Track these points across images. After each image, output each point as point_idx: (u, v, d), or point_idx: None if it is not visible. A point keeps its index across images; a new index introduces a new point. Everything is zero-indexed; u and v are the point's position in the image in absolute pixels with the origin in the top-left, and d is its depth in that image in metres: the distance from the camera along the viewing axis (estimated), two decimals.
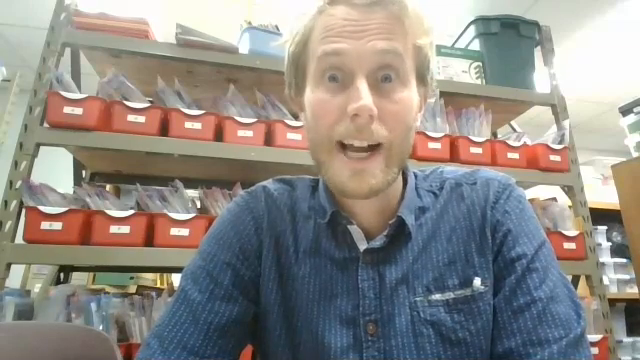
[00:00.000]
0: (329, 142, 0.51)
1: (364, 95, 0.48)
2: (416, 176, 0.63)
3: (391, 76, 0.51)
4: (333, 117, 0.51)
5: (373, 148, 0.51)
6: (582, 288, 1.53)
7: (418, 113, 0.57)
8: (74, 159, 1.49)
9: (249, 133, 1.32)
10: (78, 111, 1.19)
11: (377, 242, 0.55)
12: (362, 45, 0.49)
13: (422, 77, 0.56)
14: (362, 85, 0.49)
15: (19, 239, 1.12)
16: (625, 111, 1.92)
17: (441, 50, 1.65)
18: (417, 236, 0.57)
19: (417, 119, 0.57)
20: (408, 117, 0.52)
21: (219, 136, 1.31)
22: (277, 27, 1.53)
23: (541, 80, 1.73)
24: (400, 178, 0.60)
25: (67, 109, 1.18)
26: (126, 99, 1.27)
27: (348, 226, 0.56)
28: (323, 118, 0.52)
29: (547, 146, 1.54)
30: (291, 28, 0.57)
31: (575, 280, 1.56)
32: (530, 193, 1.66)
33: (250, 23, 1.51)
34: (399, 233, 0.56)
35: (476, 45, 1.73)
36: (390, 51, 0.50)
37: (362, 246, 0.56)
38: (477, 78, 1.65)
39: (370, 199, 0.55)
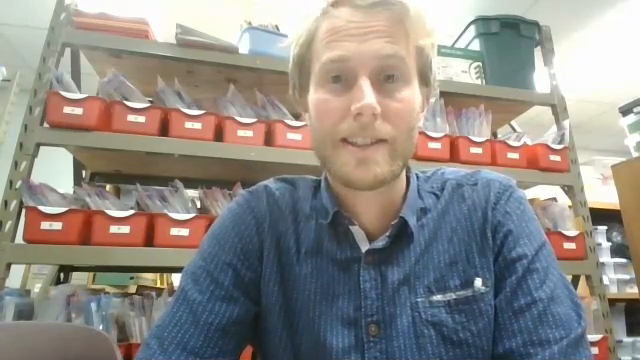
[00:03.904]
0: (333, 139, 0.52)
1: (367, 94, 0.48)
2: (418, 177, 0.64)
3: (394, 76, 0.51)
4: (337, 116, 0.51)
5: (377, 142, 0.51)
6: (582, 288, 1.53)
7: (420, 113, 0.57)
8: (74, 159, 1.49)
9: (249, 133, 1.32)
10: (78, 111, 1.19)
11: (379, 243, 0.55)
12: (365, 48, 0.50)
13: (424, 77, 0.56)
14: (365, 84, 0.49)
15: (19, 239, 1.12)
16: (625, 111, 1.92)
17: (441, 50, 1.64)
18: (419, 237, 0.57)
19: (420, 119, 0.57)
20: (411, 115, 0.53)
21: (219, 136, 1.31)
22: (277, 27, 1.53)
23: (541, 80, 1.73)
24: (403, 179, 0.60)
25: (67, 109, 1.18)
26: (126, 99, 1.27)
27: (350, 226, 0.57)
28: (327, 118, 0.52)
29: (547, 146, 1.54)
30: (295, 30, 0.57)
31: (575, 280, 1.56)
32: (530, 193, 1.66)
33: (250, 23, 1.50)
34: (401, 234, 0.56)
35: (476, 45, 1.73)
36: (392, 55, 0.50)
37: (364, 247, 0.56)
38: (477, 78, 1.65)
39: (373, 198, 0.56)
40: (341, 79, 0.52)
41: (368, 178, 0.51)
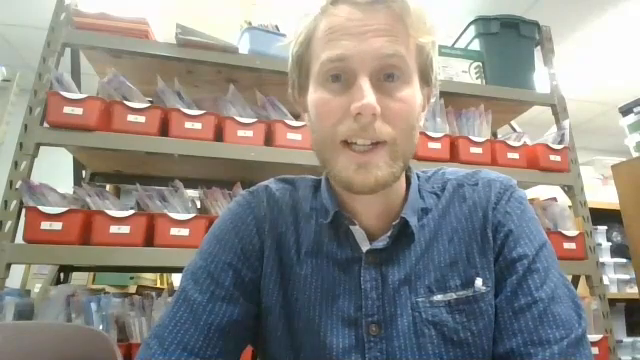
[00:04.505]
0: (333, 141, 0.52)
1: (367, 94, 0.48)
2: (418, 177, 0.63)
3: (394, 75, 0.51)
4: (336, 116, 0.51)
5: (377, 144, 0.51)
6: (582, 288, 1.53)
7: (421, 113, 0.57)
8: (74, 159, 1.49)
9: (249, 133, 1.32)
10: (78, 111, 1.19)
11: (380, 243, 0.55)
12: (365, 47, 0.49)
13: (425, 76, 0.56)
14: (365, 84, 0.49)
15: (19, 239, 1.11)
16: (625, 111, 1.92)
17: (441, 50, 1.64)
18: (419, 237, 0.57)
19: (420, 118, 0.57)
20: (411, 115, 0.52)
21: (219, 136, 1.31)
22: (277, 27, 1.53)
23: (541, 80, 1.73)
24: (403, 179, 0.60)
25: (67, 109, 1.18)
26: (126, 99, 1.27)
27: (350, 226, 0.56)
28: (327, 118, 0.52)
29: (547, 146, 1.54)
30: (295, 29, 0.57)
31: (575, 280, 1.56)
32: (530, 193, 1.66)
33: (250, 23, 1.51)
34: (402, 234, 0.56)
35: (476, 45, 1.73)
36: (392, 55, 0.50)
37: (365, 247, 0.56)
38: (477, 78, 1.65)
39: (374, 198, 0.55)
40: (341, 78, 0.51)
41: (369, 182, 0.50)
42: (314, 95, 0.54)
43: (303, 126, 1.34)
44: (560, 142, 1.58)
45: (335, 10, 0.52)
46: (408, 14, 0.50)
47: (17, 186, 1.13)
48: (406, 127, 0.52)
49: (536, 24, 1.76)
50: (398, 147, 0.51)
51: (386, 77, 0.51)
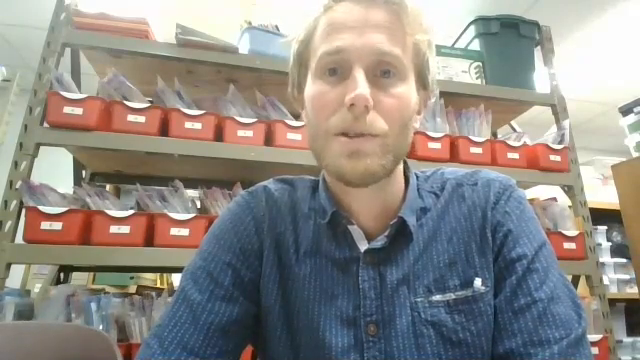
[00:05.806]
0: (326, 132, 0.52)
1: (361, 85, 0.49)
2: (417, 177, 0.63)
3: (390, 71, 0.51)
4: (331, 108, 0.51)
5: (369, 135, 0.50)
6: (582, 288, 1.53)
7: (416, 115, 0.57)
8: (74, 159, 1.49)
9: (249, 133, 1.32)
10: (78, 111, 1.19)
11: (378, 242, 0.55)
12: (363, 41, 0.50)
13: (421, 77, 0.56)
14: (359, 75, 0.49)
15: (19, 239, 1.12)
16: (625, 111, 1.92)
17: (441, 50, 1.64)
18: (418, 236, 0.57)
19: (415, 120, 0.57)
20: (405, 112, 0.52)
21: (219, 136, 1.31)
22: (277, 27, 1.53)
23: (541, 80, 1.73)
24: (401, 179, 0.60)
25: (67, 109, 1.18)
26: (126, 99, 1.27)
27: (348, 226, 0.56)
28: (321, 109, 0.52)
29: (547, 146, 1.54)
30: (297, 28, 0.58)
31: (575, 280, 1.56)
32: (530, 193, 1.66)
33: (250, 23, 1.51)
34: (400, 234, 0.56)
35: (476, 45, 1.73)
36: (389, 52, 0.50)
37: (363, 246, 0.56)
38: (477, 78, 1.65)
39: (371, 196, 0.56)
40: (337, 72, 0.52)
41: (359, 170, 0.50)
42: (311, 88, 0.54)
43: (303, 126, 1.34)
44: (560, 142, 1.58)
45: (337, 6, 0.53)
46: (406, 12, 0.51)
47: (17, 186, 1.13)
48: (399, 122, 0.52)
49: (536, 24, 1.76)
50: (389, 141, 0.51)
51: (382, 73, 0.51)
